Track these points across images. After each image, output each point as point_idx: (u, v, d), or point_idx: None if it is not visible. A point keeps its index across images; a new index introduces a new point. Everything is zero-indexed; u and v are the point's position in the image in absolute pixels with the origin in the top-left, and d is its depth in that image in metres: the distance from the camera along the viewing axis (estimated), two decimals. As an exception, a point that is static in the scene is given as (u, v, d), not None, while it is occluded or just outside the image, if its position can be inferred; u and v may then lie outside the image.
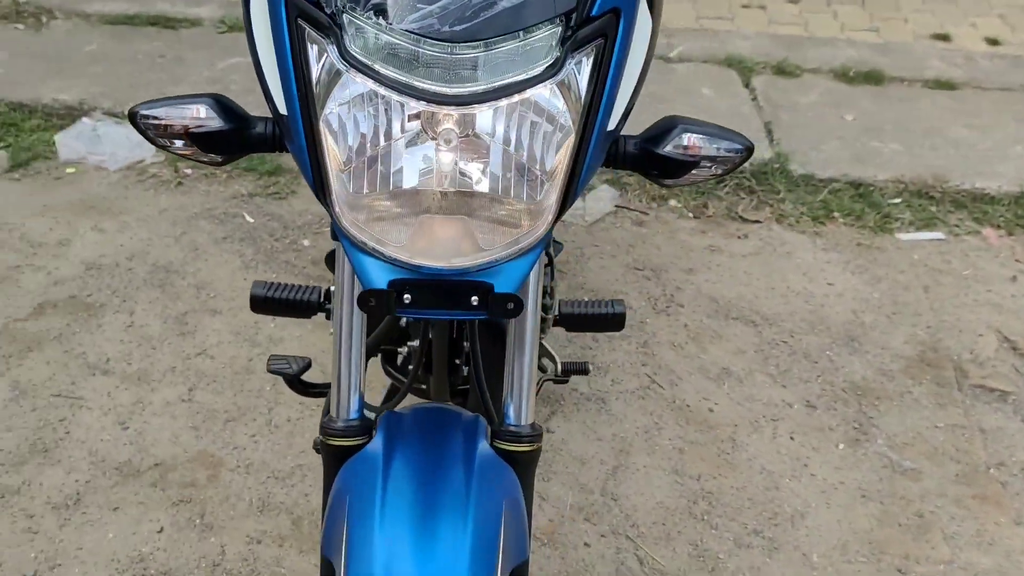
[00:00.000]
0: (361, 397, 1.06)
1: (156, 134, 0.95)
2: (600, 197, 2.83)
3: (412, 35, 0.80)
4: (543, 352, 1.80)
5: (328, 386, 1.49)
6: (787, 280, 2.53)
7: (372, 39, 0.80)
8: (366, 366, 1.09)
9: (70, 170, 2.79)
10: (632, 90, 0.94)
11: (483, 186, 0.85)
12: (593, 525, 1.84)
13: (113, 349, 2.19)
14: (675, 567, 1.77)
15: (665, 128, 0.98)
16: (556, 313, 1.69)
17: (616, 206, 2.82)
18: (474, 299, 0.90)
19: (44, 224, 2.59)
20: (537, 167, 0.86)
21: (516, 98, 0.82)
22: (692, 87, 3.30)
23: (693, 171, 0.99)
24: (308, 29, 0.83)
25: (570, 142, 0.86)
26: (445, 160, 0.84)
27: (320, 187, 0.87)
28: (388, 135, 0.83)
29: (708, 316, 2.39)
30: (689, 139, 0.97)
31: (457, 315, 0.92)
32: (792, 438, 2.05)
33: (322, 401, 1.23)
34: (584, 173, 0.89)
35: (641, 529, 1.83)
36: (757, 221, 2.76)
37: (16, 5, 3.51)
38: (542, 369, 1.84)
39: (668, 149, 0.97)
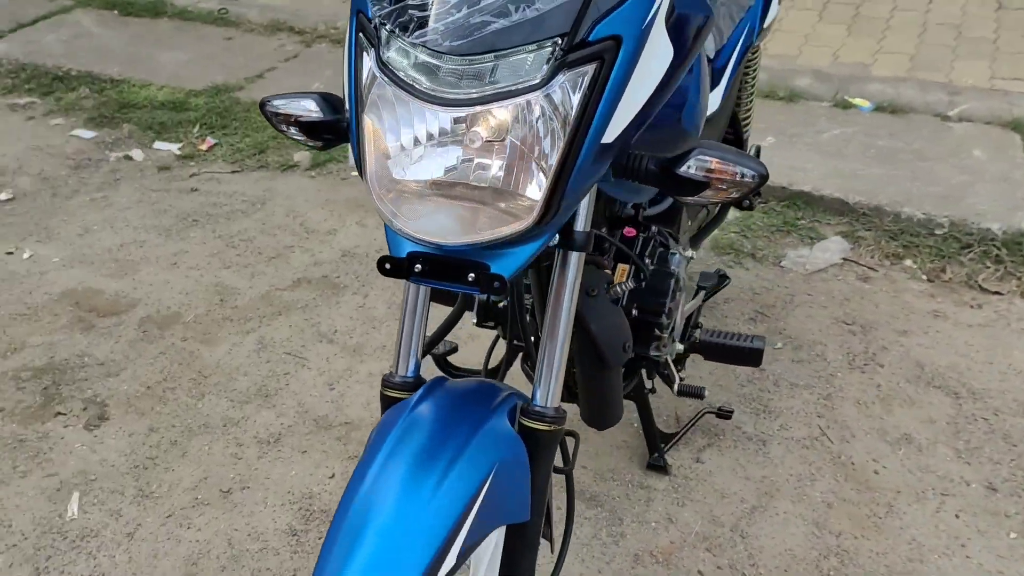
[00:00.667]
0: (417, 361, 1.23)
1: (277, 121, 1.19)
2: (827, 248, 2.77)
3: (428, 49, 0.95)
4: (687, 389, 1.84)
5: (469, 372, 1.68)
6: (1011, 357, 2.33)
7: (396, 49, 0.98)
8: (425, 334, 1.25)
9: (353, 173, 3.24)
10: (639, 109, 1.02)
11: (492, 181, 0.97)
12: (713, 556, 1.85)
13: (342, 323, 2.54)
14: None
15: (686, 150, 1.05)
16: (695, 339, 1.76)
17: (843, 259, 2.75)
18: (471, 276, 1.03)
19: (321, 215, 3.05)
20: (534, 166, 0.98)
21: (507, 102, 0.94)
22: (963, 147, 3.11)
23: (708, 191, 1.05)
24: (361, 37, 1.02)
25: (560, 147, 0.97)
26: (467, 159, 0.98)
27: (359, 167, 1.05)
28: (418, 136, 0.99)
29: (907, 380, 2.28)
30: (705, 160, 1.04)
31: (457, 288, 1.05)
32: (958, 516, 1.91)
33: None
34: (574, 177, 0.98)
35: (760, 570, 1.82)
36: (998, 292, 2.56)
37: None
38: (696, 395, 1.89)
39: (684, 169, 1.04)
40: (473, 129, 0.96)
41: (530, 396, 1.19)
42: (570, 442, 1.28)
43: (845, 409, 2.20)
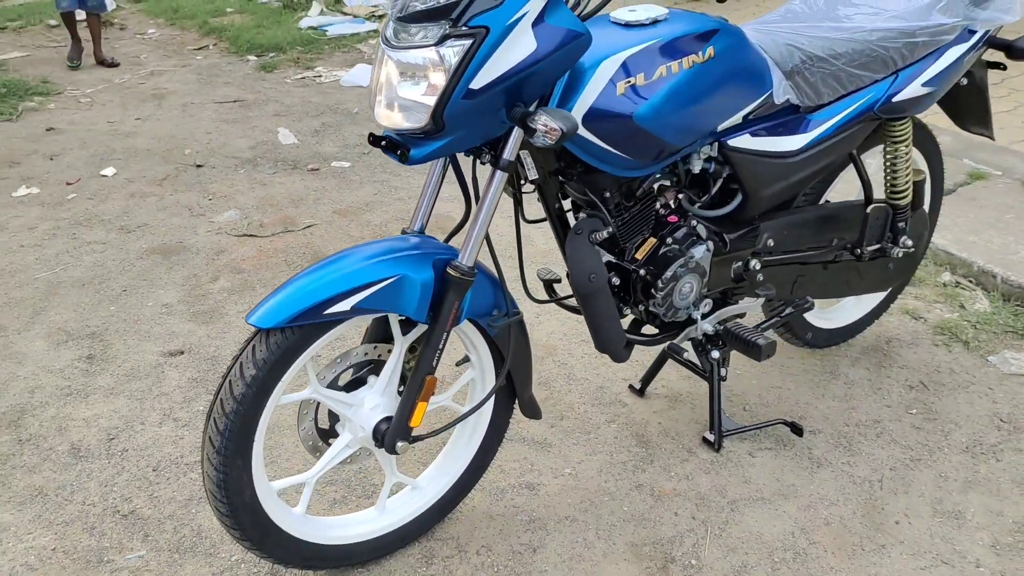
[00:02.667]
0: (422, 222, 1.92)
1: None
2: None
3: (393, 22, 1.67)
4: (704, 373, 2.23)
5: (566, 304, 2.27)
6: None
7: (390, 24, 1.71)
8: (433, 204, 1.94)
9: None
10: (501, 73, 1.56)
11: (407, 94, 1.65)
12: (696, 509, 2.21)
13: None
14: None
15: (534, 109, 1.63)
16: (720, 328, 2.18)
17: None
18: (399, 151, 1.70)
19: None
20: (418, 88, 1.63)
21: (418, 52, 1.62)
22: None
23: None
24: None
25: (438, 84, 1.61)
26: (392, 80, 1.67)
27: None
28: (381, 67, 1.70)
29: (1012, 480, 2.31)
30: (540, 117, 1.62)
31: (392, 156, 1.71)
32: (931, 576, 2.02)
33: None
34: (451, 102, 1.55)
35: (724, 535, 2.15)
36: None
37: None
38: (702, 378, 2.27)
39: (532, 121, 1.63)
40: (391, 65, 1.66)
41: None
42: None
43: (922, 474, 2.32)
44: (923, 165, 2.62)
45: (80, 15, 6.04)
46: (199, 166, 4.34)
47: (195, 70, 5.92)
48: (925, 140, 2.57)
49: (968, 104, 2.58)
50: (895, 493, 2.25)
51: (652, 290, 2.04)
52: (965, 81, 2.41)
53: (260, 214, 3.78)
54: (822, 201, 2.42)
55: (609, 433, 2.46)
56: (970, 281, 3.12)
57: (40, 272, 3.32)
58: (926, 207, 2.66)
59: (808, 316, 2.64)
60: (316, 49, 6.36)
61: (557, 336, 2.88)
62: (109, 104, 5.28)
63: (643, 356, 2.67)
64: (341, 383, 1.88)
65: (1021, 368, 2.71)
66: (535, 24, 1.60)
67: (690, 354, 2.45)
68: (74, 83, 5.65)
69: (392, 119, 1.66)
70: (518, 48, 1.59)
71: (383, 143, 1.73)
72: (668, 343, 2.30)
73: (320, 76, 5.80)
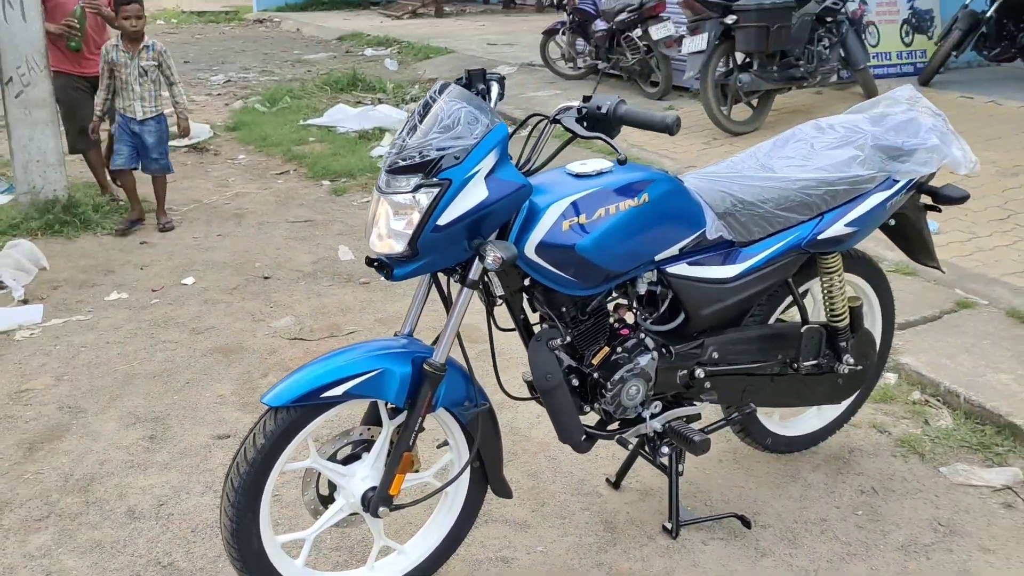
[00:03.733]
0: (411, 326, 2.38)
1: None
2: (999, 473, 2.99)
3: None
4: (662, 468, 2.59)
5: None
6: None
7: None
8: (420, 312, 2.40)
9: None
10: (461, 214, 2.03)
11: (392, 227, 2.13)
12: None
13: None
14: None
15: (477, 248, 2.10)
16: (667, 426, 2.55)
17: (1005, 486, 2.95)
18: (383, 272, 2.18)
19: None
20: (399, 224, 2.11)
21: (399, 196, 2.11)
22: None
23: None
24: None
25: (413, 221, 2.09)
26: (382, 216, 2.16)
27: None
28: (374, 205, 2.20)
29: None
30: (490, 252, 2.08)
31: (380, 274, 2.18)
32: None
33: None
34: (424, 235, 2.02)
35: (668, 609, 2.48)
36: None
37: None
38: (664, 471, 2.63)
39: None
40: (383, 204, 2.15)
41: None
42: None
43: (855, 567, 2.60)
44: (870, 293, 2.97)
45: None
46: (266, 278, 4.92)
47: (274, 192, 6.63)
48: (870, 271, 2.94)
49: (910, 241, 2.96)
50: (827, 582, 2.53)
51: (603, 391, 2.43)
52: (893, 221, 2.79)
53: (312, 321, 4.30)
54: (771, 321, 2.79)
55: (582, 519, 2.82)
56: (938, 400, 3.41)
57: (120, 365, 3.88)
58: (876, 330, 3.01)
59: (768, 424, 2.97)
60: (383, 175, 7.03)
61: (551, 435, 3.25)
62: (196, 222, 5.98)
63: (621, 453, 3.03)
64: (340, 457, 2.32)
65: (968, 479, 2.98)
66: (487, 177, 2.07)
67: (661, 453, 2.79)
68: (169, 202, 6.39)
69: (381, 245, 2.14)
70: (474, 195, 2.07)
71: (375, 264, 2.21)
72: (640, 444, 2.66)
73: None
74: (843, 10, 7.20)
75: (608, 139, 2.16)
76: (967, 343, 3.70)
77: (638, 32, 8.48)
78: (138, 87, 5.51)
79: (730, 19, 6.57)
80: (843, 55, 7.35)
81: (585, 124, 2.20)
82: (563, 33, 9.76)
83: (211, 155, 7.82)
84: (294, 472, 2.43)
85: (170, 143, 7.46)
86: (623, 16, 8.56)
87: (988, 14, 7.89)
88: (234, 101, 10.07)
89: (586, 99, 2.23)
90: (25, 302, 4.61)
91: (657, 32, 8.14)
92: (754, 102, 7.07)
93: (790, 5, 6.64)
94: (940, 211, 2.90)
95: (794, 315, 2.85)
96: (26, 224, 5.60)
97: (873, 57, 8.24)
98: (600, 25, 8.99)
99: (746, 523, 2.72)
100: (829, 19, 7.18)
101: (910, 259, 3.09)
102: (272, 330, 4.21)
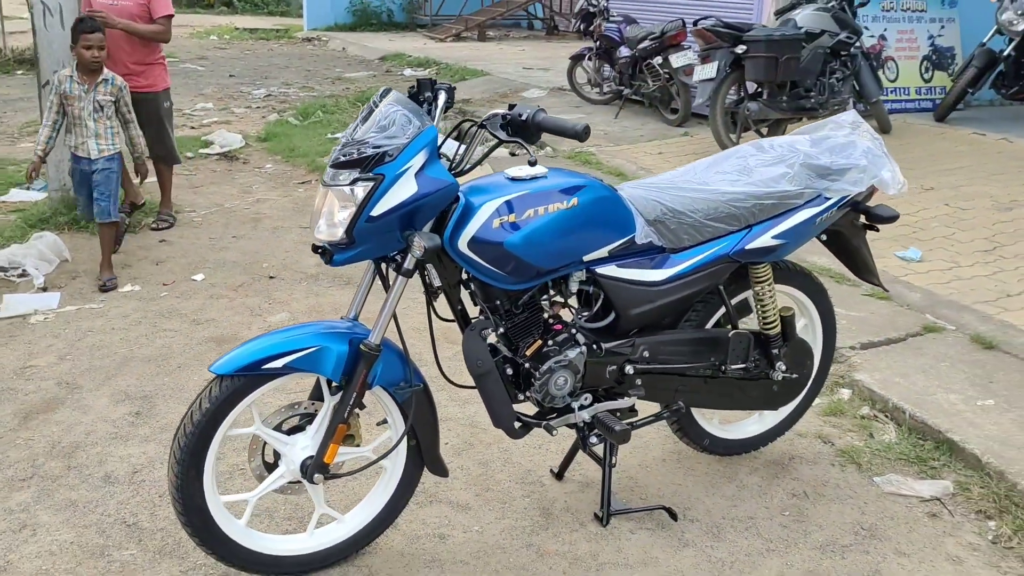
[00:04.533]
0: (356, 310, 2.60)
1: None
2: (930, 486, 3.12)
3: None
4: (593, 455, 2.77)
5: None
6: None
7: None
8: (364, 299, 2.62)
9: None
10: (392, 206, 2.25)
11: (329, 217, 2.36)
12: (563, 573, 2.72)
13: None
14: None
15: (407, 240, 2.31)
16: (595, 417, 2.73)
17: (933, 497, 3.07)
18: (325, 257, 2.40)
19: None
20: (339, 213, 2.33)
21: (339, 188, 2.33)
22: None
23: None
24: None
25: (350, 211, 2.31)
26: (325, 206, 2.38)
27: None
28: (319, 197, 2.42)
29: None
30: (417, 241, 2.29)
31: (323, 259, 2.41)
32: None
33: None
34: (359, 225, 2.25)
35: (586, 589, 2.64)
36: (1027, 567, 2.70)
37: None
38: (597, 461, 2.81)
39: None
40: (328, 195, 2.36)
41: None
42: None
43: (771, 561, 2.74)
44: (810, 306, 3.12)
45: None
46: (271, 277, 5.18)
47: (293, 200, 6.91)
48: (810, 284, 3.09)
49: (850, 258, 3.11)
50: (740, 574, 2.68)
51: (533, 380, 2.62)
52: (825, 237, 2.94)
53: (306, 317, 4.54)
54: (709, 326, 2.95)
55: (521, 505, 3.00)
56: (885, 416, 3.53)
57: (120, 349, 4.15)
58: (816, 343, 3.16)
59: (707, 426, 3.13)
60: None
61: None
62: (215, 224, 6.28)
63: (564, 446, 3.20)
64: (285, 428, 2.53)
65: (899, 489, 3.10)
66: (417, 174, 2.29)
67: (598, 448, 2.96)
68: (192, 206, 6.71)
69: (323, 234, 2.36)
70: (404, 190, 2.28)
71: (320, 250, 2.43)
72: (580, 438, 2.84)
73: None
74: (857, 44, 7.32)
75: (524, 143, 2.36)
76: (925, 364, 3.81)
77: (659, 60, 8.67)
78: (92, 123, 4.92)
79: (740, 49, 6.74)
80: (856, 88, 7.46)
81: (509, 130, 2.40)
82: (589, 59, 9.99)
83: (240, 163, 8.15)
84: (244, 443, 2.64)
85: (202, 150, 7.85)
86: (645, 44, 8.77)
87: (1006, 52, 7.96)
88: (271, 114, 10.44)
89: (511, 107, 2.43)
90: (44, 290, 4.91)
91: (677, 60, 8.33)
92: (764, 130, 7.21)
93: (800, 37, 6.80)
94: (877, 230, 3.04)
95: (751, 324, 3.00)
96: (55, 219, 5.93)
97: (891, 92, 8.35)
98: (624, 52, 9.20)
99: (673, 515, 2.88)
100: (843, 52, 7.30)
101: (856, 276, 3.23)
102: (267, 324, 4.45)
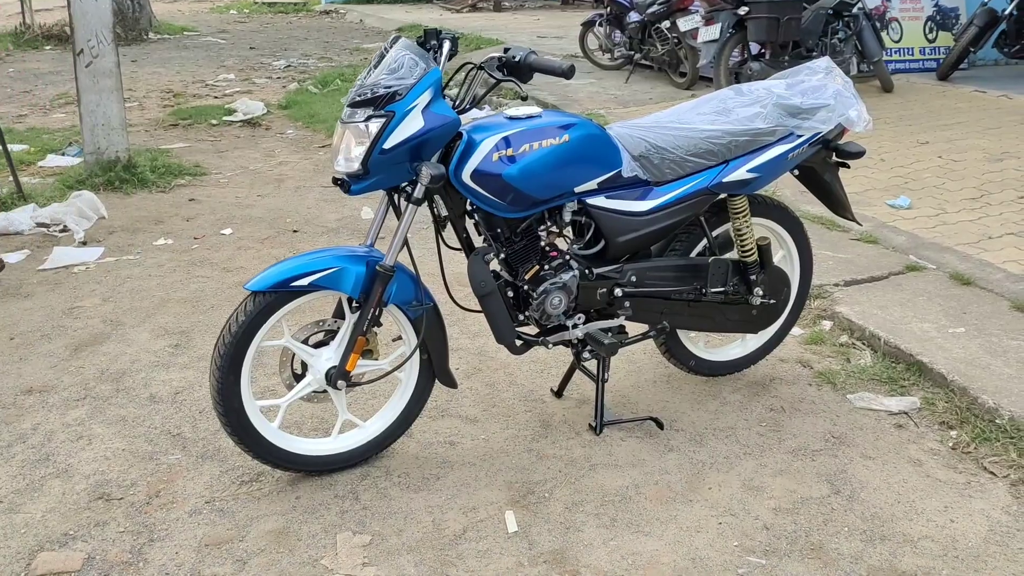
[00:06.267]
0: (372, 237, 2.92)
1: None
2: (898, 402, 3.41)
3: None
4: (586, 371, 3.09)
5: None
6: (950, 527, 2.88)
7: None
8: (380, 227, 2.94)
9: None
10: (402, 139, 2.56)
11: (347, 150, 2.66)
12: (550, 475, 3.05)
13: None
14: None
15: (417, 169, 2.63)
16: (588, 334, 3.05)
17: (901, 411, 3.36)
18: (343, 187, 2.71)
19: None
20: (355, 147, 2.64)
21: (355, 124, 2.63)
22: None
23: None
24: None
25: (365, 146, 2.62)
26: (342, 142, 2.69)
27: None
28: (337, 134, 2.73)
29: (811, 477, 3.02)
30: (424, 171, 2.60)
31: (342, 190, 2.72)
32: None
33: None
34: (374, 156, 2.55)
35: (550, 492, 2.97)
36: (992, 474, 2.97)
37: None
38: (591, 377, 3.13)
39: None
40: (345, 132, 2.68)
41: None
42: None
43: (747, 463, 3.06)
44: (787, 239, 3.41)
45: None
46: (295, 231, 5.51)
47: (314, 162, 7.24)
48: (786, 218, 3.38)
49: (825, 194, 3.40)
50: (719, 471, 3.00)
51: (531, 300, 2.94)
52: (797, 172, 3.23)
53: (327, 265, 4.88)
54: (694, 254, 3.25)
55: (524, 418, 3.32)
56: (863, 343, 3.83)
57: (157, 292, 4.50)
58: (793, 272, 3.45)
59: (692, 348, 3.44)
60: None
61: (514, 360, 3.77)
62: (241, 184, 6.62)
63: (564, 369, 3.51)
64: (312, 342, 2.86)
65: (870, 404, 3.40)
66: (424, 111, 2.59)
67: (592, 364, 3.27)
68: (218, 168, 7.05)
69: (341, 166, 2.68)
70: (412, 125, 2.59)
71: (339, 182, 2.74)
72: (574, 354, 3.15)
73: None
74: (859, 5, 7.52)
75: (517, 81, 2.66)
76: (903, 298, 4.09)
77: (667, 24, 8.89)
78: None
79: (742, 10, 6.97)
80: (858, 48, 7.67)
81: (505, 71, 2.70)
82: (600, 25, 10.22)
83: (263, 129, 8.48)
84: (275, 355, 2.98)
85: (225, 118, 8.18)
86: (654, 8, 8.99)
87: (1008, 11, 8.13)
88: (291, 83, 10.75)
89: (506, 50, 2.73)
90: (84, 244, 5.27)
91: (684, 24, 8.55)
92: (767, 90, 7.43)
93: (800, -1, 7.02)
94: (848, 167, 3.32)
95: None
96: (91, 180, 6.29)
97: (895, 52, 8.54)
98: (634, 17, 9.43)
99: (660, 425, 3.19)
100: (845, 13, 7.51)
101: (832, 212, 3.51)
102: (292, 271, 4.78)
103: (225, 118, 8.84)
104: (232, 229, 5.53)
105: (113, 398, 3.45)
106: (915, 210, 5.21)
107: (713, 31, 7.11)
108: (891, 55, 8.36)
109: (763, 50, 7.33)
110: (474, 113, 2.78)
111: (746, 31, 7.13)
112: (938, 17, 8.85)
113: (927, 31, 8.83)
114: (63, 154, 7.29)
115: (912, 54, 8.79)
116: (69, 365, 3.72)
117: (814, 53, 7.34)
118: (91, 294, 4.48)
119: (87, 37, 6.12)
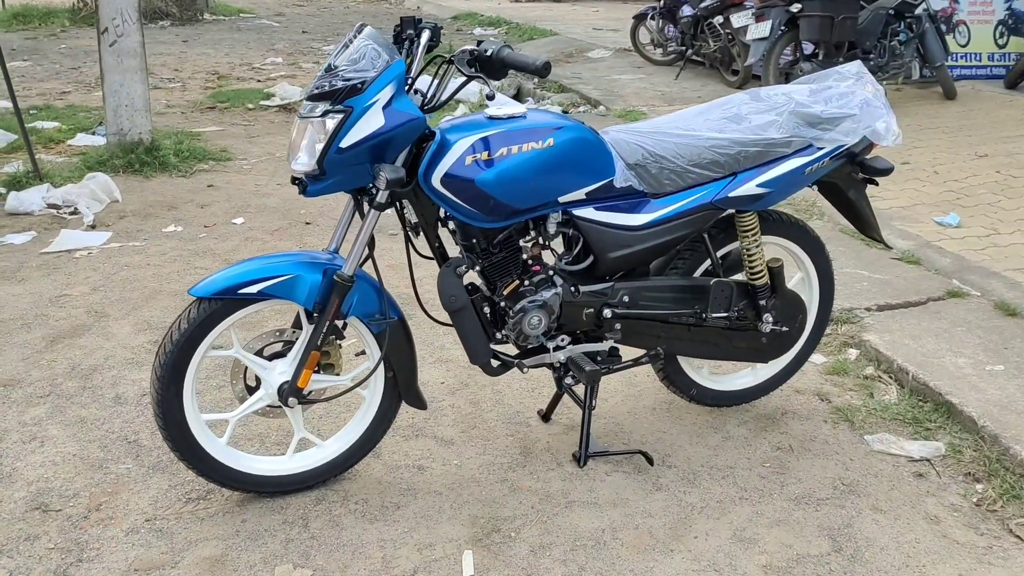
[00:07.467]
0: (337, 242, 2.67)
1: None
2: (921, 447, 3.07)
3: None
4: (572, 394, 2.83)
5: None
6: None
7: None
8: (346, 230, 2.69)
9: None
10: (361, 138, 2.30)
11: (301, 148, 2.42)
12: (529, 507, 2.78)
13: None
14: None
15: (376, 177, 2.37)
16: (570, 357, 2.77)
17: (923, 458, 3.03)
18: (300, 187, 2.47)
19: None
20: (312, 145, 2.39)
21: (312, 120, 2.39)
22: None
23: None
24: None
25: (322, 142, 2.38)
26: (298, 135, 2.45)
27: None
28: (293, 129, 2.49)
29: (802, 532, 2.71)
30: (384, 172, 2.35)
31: (299, 190, 2.48)
32: (692, 573, 2.48)
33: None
34: (329, 156, 2.30)
35: (520, 532, 2.70)
36: (1018, 537, 2.64)
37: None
38: (577, 402, 2.86)
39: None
40: (303, 128, 2.44)
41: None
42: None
43: (742, 509, 2.75)
44: (806, 260, 3.09)
45: None
46: (307, 223, 5.32)
47: (342, 151, 7.06)
48: (805, 237, 3.05)
49: (851, 213, 3.07)
50: (708, 518, 2.70)
51: (507, 319, 2.67)
52: (816, 187, 2.90)
53: (330, 261, 4.66)
54: (698, 274, 2.95)
55: (504, 443, 3.06)
56: (889, 376, 3.48)
57: (151, 283, 4.33)
58: (812, 297, 3.13)
59: (694, 375, 3.13)
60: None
61: (505, 377, 3.50)
62: (263, 172, 6.45)
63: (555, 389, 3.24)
64: (267, 353, 2.63)
65: (889, 448, 3.07)
66: (385, 107, 2.34)
67: (579, 389, 3.00)
68: (244, 154, 6.90)
69: (297, 165, 2.44)
70: (372, 122, 2.34)
71: (296, 181, 2.51)
72: (555, 379, 2.88)
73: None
74: (923, 6, 7.07)
75: (485, 77, 2.39)
76: (940, 328, 3.73)
77: (720, 19, 8.52)
78: None
79: (795, 7, 6.58)
80: (920, 51, 7.22)
81: (477, 66, 2.43)
82: (652, 18, 9.86)
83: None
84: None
85: (263, 102, 8.01)
86: (707, 2, 8.62)
87: (1087, 17, 7.59)
88: (335, 69, 10.60)
89: (478, 43, 2.46)
90: (93, 227, 5.14)
91: (738, 20, 8.16)
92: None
93: (859, -4, 6.60)
94: (876, 184, 2.98)
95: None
96: (111, 162, 6.18)
97: (961, 58, 8.05)
98: (687, 11, 9.07)
99: (650, 460, 2.90)
100: (908, 14, 7.06)
101: (858, 231, 3.18)
102: (293, 266, 4.58)
103: (262, 103, 8.71)
104: (244, 219, 5.36)
105: (77, 396, 3.28)
106: (964, 228, 4.82)
107: (763, 28, 6.73)
108: (956, 60, 7.87)
109: (816, 50, 6.92)
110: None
111: (798, 29, 6.73)
112: (1010, 21, 8.31)
113: (997, 36, 8.31)
114: (93, 133, 7.21)
115: (980, 60, 8.28)
116: (41, 358, 3.56)
117: (871, 55, 6.90)
118: (83, 282, 4.34)
119: (112, 15, 6.00)
